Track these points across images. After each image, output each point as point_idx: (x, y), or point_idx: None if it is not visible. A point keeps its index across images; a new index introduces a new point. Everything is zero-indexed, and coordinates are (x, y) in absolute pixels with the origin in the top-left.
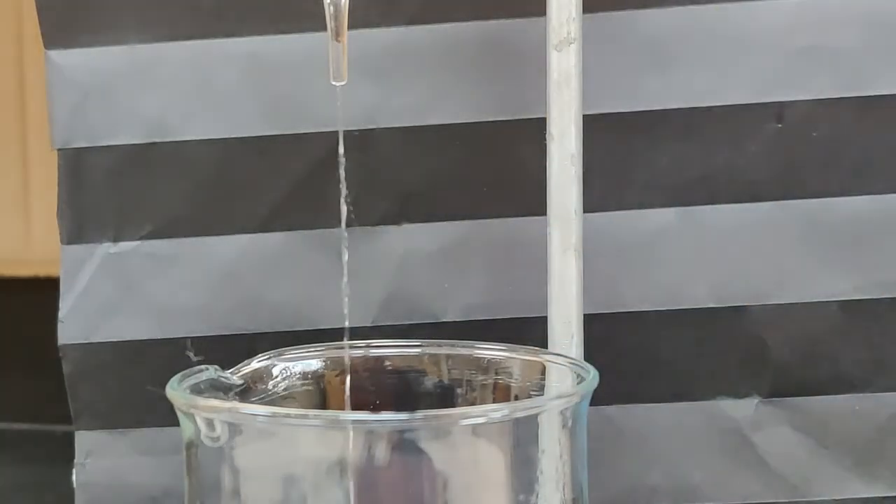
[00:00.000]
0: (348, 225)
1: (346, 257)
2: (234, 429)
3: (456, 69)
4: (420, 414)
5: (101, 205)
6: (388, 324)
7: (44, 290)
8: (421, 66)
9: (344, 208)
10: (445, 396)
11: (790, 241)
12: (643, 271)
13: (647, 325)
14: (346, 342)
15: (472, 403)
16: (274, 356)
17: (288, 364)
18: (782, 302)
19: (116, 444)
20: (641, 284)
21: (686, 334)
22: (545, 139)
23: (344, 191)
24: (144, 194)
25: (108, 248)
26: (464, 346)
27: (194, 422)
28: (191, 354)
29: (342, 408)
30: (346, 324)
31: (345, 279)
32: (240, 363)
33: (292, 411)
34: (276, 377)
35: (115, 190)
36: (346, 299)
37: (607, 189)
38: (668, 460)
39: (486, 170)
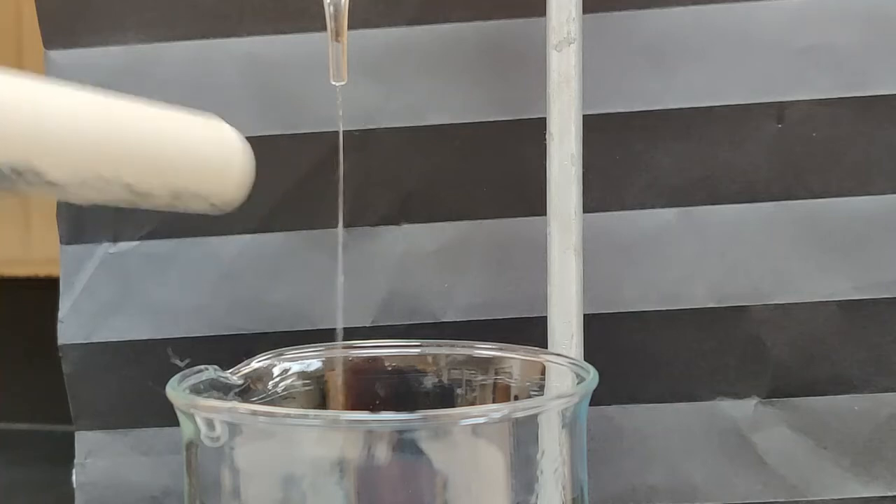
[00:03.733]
0: (348, 225)
1: (341, 254)
2: (234, 429)
3: (456, 69)
4: (420, 414)
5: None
6: (388, 324)
7: (43, 290)
8: (421, 66)
9: (341, 208)
10: (445, 396)
11: (790, 241)
12: (643, 271)
13: (647, 325)
14: (344, 342)
15: (472, 403)
16: (274, 356)
17: (288, 364)
18: (782, 302)
19: (116, 444)
20: (641, 284)
21: (686, 334)
22: (545, 139)
23: (341, 189)
24: None
25: (107, 248)
26: (463, 346)
27: (194, 422)
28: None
29: (342, 408)
30: (341, 323)
31: (340, 278)
32: (240, 363)
33: (292, 411)
34: (276, 377)
35: None
36: (342, 298)
37: (607, 189)
38: (668, 460)
39: (486, 170)
